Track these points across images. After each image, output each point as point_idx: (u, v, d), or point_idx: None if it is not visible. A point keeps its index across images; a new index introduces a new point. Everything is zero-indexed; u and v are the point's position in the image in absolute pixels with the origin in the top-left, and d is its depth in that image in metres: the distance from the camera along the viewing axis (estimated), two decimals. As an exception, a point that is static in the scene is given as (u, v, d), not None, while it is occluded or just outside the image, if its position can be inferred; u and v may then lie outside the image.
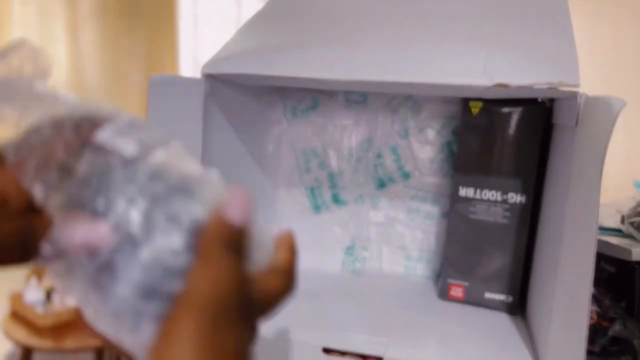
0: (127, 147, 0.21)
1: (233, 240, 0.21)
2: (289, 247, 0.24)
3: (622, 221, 0.55)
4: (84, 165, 0.20)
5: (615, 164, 1.92)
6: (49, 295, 1.77)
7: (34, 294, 1.75)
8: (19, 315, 1.73)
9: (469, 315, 0.55)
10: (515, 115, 0.52)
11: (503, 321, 0.54)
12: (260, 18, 0.55)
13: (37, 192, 0.21)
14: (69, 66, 2.75)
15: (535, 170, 0.52)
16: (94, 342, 1.58)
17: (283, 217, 0.69)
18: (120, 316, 0.19)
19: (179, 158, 0.22)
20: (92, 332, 0.21)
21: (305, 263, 0.69)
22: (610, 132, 0.33)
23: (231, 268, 0.20)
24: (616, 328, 0.45)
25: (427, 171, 0.64)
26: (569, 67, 0.38)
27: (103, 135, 0.21)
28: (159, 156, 0.21)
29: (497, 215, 0.54)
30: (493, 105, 0.53)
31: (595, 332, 0.46)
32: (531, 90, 0.40)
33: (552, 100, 0.51)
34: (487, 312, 0.56)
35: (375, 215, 0.67)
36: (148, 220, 0.19)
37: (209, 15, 2.84)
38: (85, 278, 0.20)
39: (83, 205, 0.20)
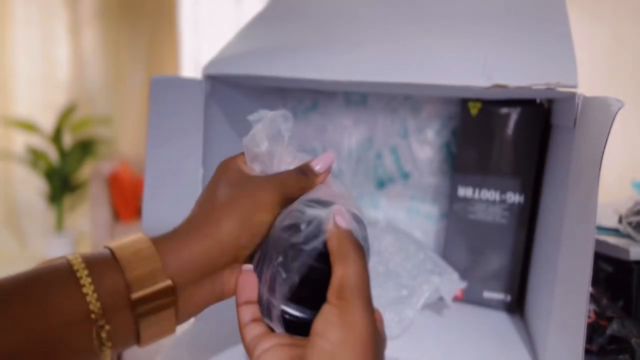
0: None
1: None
2: None
3: (620, 221, 0.55)
4: None
5: (613, 164, 1.92)
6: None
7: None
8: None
9: (467, 314, 0.55)
10: (513, 115, 0.52)
11: (502, 320, 0.54)
12: (260, 19, 0.55)
13: None
14: (71, 67, 2.76)
15: (533, 170, 0.53)
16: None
17: (283, 217, 0.69)
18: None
19: None
20: None
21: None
22: (608, 132, 0.33)
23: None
24: (614, 327, 0.45)
25: (427, 171, 0.64)
26: (567, 68, 0.39)
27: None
28: None
29: (496, 215, 0.54)
30: (492, 106, 0.53)
31: (593, 331, 0.46)
32: (529, 91, 0.40)
33: (550, 101, 0.51)
34: (485, 311, 0.56)
35: (375, 215, 0.67)
36: None
37: (209, 16, 2.84)
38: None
39: None
